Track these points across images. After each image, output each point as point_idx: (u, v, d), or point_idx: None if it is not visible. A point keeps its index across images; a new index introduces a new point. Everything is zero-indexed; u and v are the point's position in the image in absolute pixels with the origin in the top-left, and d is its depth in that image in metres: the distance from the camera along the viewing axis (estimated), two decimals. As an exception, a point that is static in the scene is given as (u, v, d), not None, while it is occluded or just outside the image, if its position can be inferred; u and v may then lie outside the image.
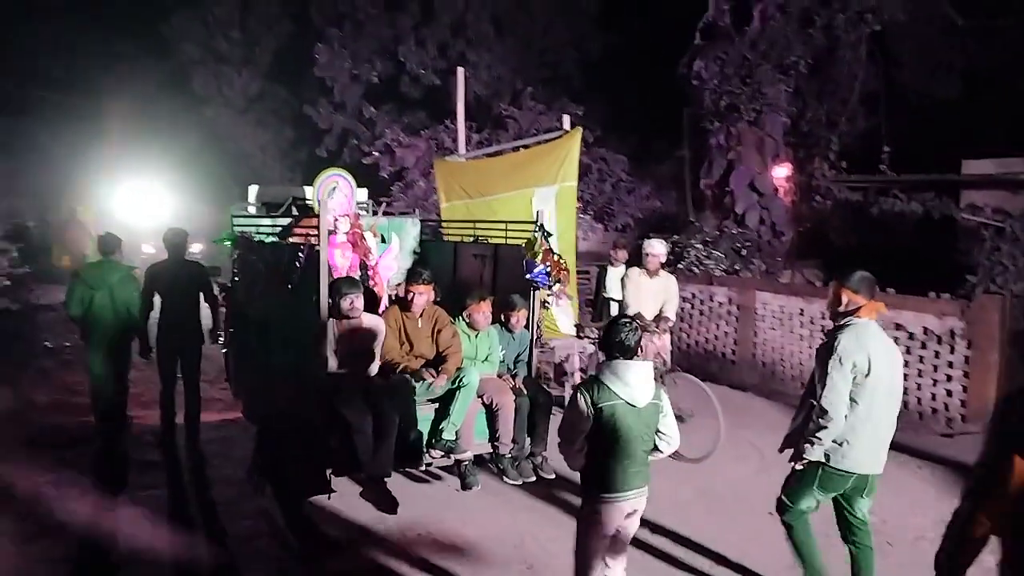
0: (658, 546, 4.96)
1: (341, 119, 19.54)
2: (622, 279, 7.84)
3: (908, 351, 8.16)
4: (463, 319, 5.49)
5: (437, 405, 5.14)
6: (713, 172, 13.76)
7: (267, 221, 6.49)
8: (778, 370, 9.72)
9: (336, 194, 6.49)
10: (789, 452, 4.12)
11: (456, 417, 5.01)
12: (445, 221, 8.04)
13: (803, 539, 4.08)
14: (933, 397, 7.98)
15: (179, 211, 19.62)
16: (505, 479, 5.26)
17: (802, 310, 9.40)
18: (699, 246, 12.27)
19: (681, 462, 6.52)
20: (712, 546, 4.91)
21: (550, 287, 5.80)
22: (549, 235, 5.83)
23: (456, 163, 8.52)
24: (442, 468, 5.78)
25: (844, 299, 3.95)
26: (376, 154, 15.86)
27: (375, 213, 7.40)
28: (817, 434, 3.82)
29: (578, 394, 3.45)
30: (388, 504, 4.78)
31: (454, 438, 5.05)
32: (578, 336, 7.71)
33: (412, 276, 5.36)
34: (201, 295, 6.90)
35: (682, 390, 6.84)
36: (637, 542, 4.88)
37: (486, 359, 5.52)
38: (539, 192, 7.38)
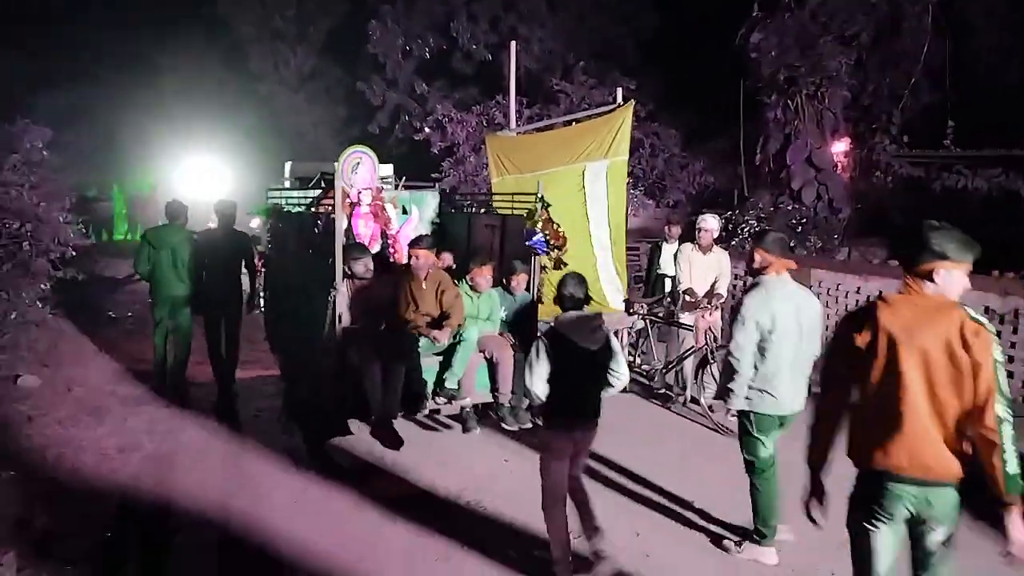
0: (695, 520, 5.02)
1: (393, 95, 19.68)
2: (675, 255, 7.79)
3: (969, 331, 7.95)
4: (467, 282, 6.07)
5: (441, 358, 5.78)
6: (769, 147, 13.50)
7: (297, 193, 7.24)
8: (832, 349, 9.54)
9: (360, 169, 6.99)
10: None
11: (457, 368, 5.67)
12: (496, 195, 8.09)
13: (766, 496, 4.41)
14: (995, 379, 7.76)
15: (237, 186, 20.07)
16: (503, 425, 5.89)
17: (859, 288, 9.20)
18: (753, 222, 12.08)
19: (726, 437, 6.50)
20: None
21: (548, 253, 6.42)
22: (548, 206, 6.32)
23: (507, 138, 8.52)
24: (448, 417, 6.43)
25: (757, 258, 4.38)
26: (427, 130, 15.93)
27: (397, 187, 7.83)
28: (728, 386, 4.32)
29: (540, 342, 4.01)
30: (393, 442, 5.37)
31: (456, 387, 5.71)
32: (627, 312, 7.70)
33: (414, 242, 5.97)
34: (243, 263, 7.39)
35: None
36: (673, 515, 5.01)
37: (488, 318, 6.12)
38: (590, 167, 7.35)
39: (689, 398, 7.31)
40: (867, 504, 2.84)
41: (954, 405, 2.68)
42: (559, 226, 6.42)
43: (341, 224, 5.34)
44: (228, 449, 6.19)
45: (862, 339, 2.81)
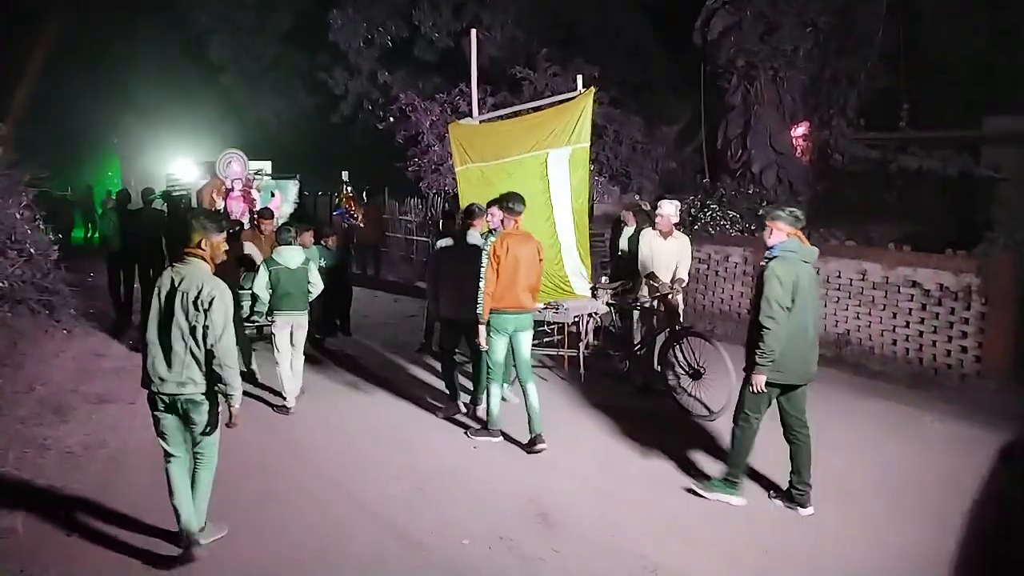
0: (671, 489, 5.20)
1: (356, 85, 19.48)
2: (630, 239, 7.95)
3: (924, 308, 8.18)
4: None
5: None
6: (730, 131, 13.65)
7: (187, 182, 11.70)
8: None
9: (232, 165, 10.65)
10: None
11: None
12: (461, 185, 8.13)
13: (744, 444, 4.99)
14: (948, 353, 8.00)
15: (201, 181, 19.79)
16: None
17: (818, 269, 9.36)
18: (715, 206, 12.22)
19: (695, 419, 6.65)
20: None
21: (353, 217, 12.73)
22: (349, 185, 11.68)
23: (470, 126, 8.54)
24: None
25: (776, 232, 4.91)
26: (391, 119, 15.82)
27: (263, 178, 11.35)
28: (763, 356, 4.70)
29: (263, 266, 6.92)
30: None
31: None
32: (593, 296, 7.79)
33: (261, 213, 9.03)
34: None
35: (695, 349, 6.93)
36: (656, 481, 5.12)
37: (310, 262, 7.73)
38: (553, 154, 7.40)
39: (655, 380, 7.44)
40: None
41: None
42: (353, 196, 11.64)
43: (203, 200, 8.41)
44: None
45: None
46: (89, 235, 22.80)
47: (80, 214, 23.43)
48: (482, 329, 6.02)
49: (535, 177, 7.43)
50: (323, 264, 8.15)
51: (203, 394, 4.16)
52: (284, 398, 6.96)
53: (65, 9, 20.69)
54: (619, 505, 5.04)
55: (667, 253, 7.45)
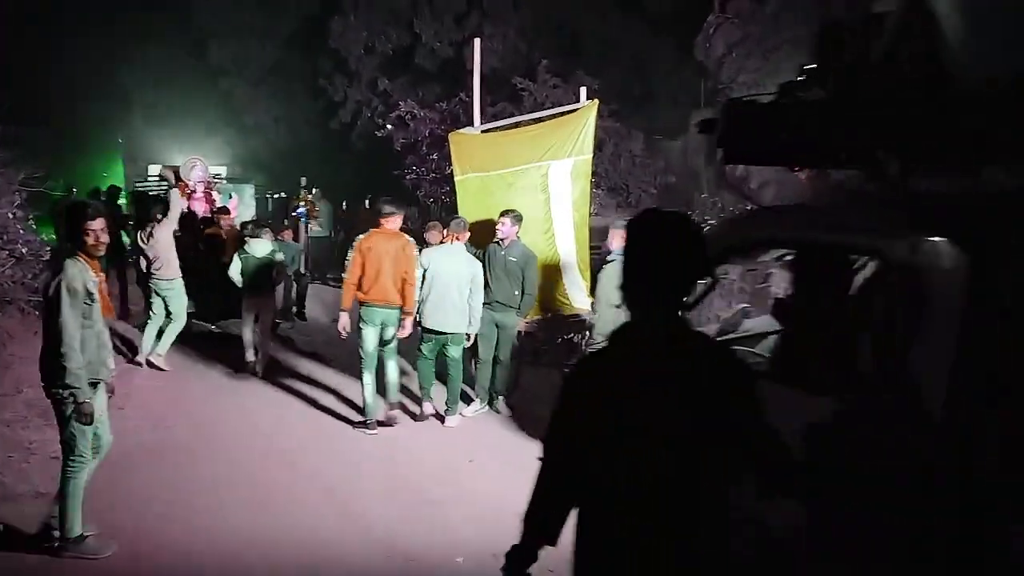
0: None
1: (355, 91, 19.45)
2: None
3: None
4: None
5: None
6: (729, 147, 13.62)
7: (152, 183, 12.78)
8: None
9: (195, 170, 11.78)
10: None
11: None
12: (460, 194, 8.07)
13: (426, 372, 7.06)
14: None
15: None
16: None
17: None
18: (713, 222, 12.17)
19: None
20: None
21: (312, 217, 14.13)
22: (309, 188, 14.02)
23: (471, 136, 8.48)
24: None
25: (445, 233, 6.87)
26: (390, 127, 15.77)
27: (222, 182, 12.71)
28: None
29: (237, 254, 8.46)
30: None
31: None
32: (593, 310, 7.71)
33: (220, 211, 10.72)
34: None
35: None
36: None
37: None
38: (554, 165, 7.35)
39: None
40: None
41: None
42: (312, 197, 14.08)
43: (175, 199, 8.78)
44: (185, 449, 6.07)
45: None
46: None
47: None
48: (343, 315, 6.77)
49: (535, 189, 7.38)
50: (280, 257, 9.05)
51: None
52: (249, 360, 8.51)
53: (70, 8, 20.62)
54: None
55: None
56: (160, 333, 8.49)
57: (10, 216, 7.05)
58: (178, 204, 8.80)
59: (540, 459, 2.30)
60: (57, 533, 4.30)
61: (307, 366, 9.04)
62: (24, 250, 7.11)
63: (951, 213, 2.50)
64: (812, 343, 2.99)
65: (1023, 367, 2.21)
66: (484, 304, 7.02)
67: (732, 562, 2.16)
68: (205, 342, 9.54)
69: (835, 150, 2.75)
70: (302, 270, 12.32)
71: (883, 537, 2.50)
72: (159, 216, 8.53)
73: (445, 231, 7.27)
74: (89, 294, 4.17)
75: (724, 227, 3.47)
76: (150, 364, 8.41)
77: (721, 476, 2.09)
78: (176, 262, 8.55)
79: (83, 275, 4.16)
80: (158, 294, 8.53)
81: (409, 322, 6.81)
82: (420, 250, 7.04)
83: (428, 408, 7.19)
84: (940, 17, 1.95)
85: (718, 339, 4.44)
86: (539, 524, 2.29)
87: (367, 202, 16.47)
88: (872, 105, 2.33)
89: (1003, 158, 2.52)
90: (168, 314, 8.56)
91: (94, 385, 4.26)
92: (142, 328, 8.76)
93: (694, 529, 2.05)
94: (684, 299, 2.10)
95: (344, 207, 17.94)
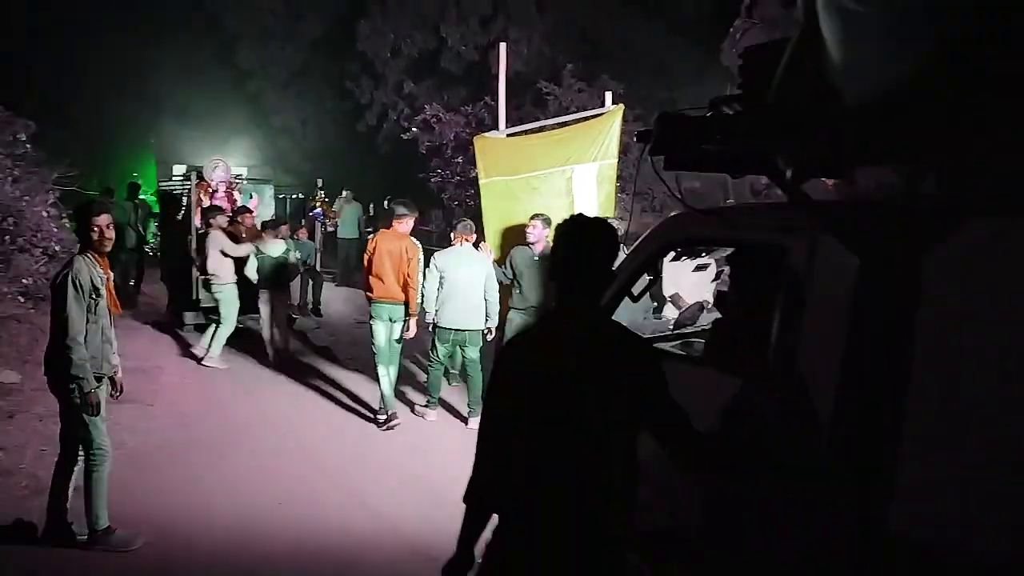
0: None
1: (381, 94, 19.58)
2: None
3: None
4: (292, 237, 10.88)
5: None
6: (754, 153, 13.55)
7: (176, 183, 13.33)
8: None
9: (217, 170, 11.90)
10: None
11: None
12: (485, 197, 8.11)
13: (436, 380, 7.26)
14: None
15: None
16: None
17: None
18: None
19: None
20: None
21: (328, 217, 15.72)
22: (322, 189, 16.57)
23: (496, 139, 8.51)
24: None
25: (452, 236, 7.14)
26: (415, 129, 15.84)
27: (243, 182, 13.13)
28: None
29: (252, 256, 8.92)
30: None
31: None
32: (614, 315, 7.71)
33: (241, 210, 10.71)
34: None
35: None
36: None
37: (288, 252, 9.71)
38: (579, 170, 7.35)
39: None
40: None
41: None
42: (326, 199, 15.15)
43: (195, 199, 10.50)
44: (212, 446, 6.15)
45: None
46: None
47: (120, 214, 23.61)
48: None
49: (560, 193, 7.40)
50: (297, 255, 9.74)
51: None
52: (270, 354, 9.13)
53: (94, 12, 20.89)
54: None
55: (692, 274, 7.34)
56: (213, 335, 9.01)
57: (44, 215, 7.20)
58: (238, 250, 9.24)
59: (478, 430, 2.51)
60: (82, 528, 4.39)
61: (330, 366, 9.13)
62: (57, 248, 7.26)
63: (841, 214, 2.77)
64: (737, 331, 3.32)
65: (903, 364, 2.38)
66: (519, 310, 7.11)
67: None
68: (229, 338, 9.66)
69: (745, 158, 3.03)
70: (317, 267, 13.04)
71: (763, 515, 2.74)
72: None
73: (452, 233, 7.41)
74: (95, 289, 4.27)
75: (664, 225, 3.81)
76: (203, 364, 8.89)
77: (631, 456, 2.31)
78: (228, 268, 9.05)
79: (91, 270, 4.27)
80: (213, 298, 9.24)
81: (412, 323, 7.03)
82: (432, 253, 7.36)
83: (431, 416, 7.27)
84: (827, 41, 2.18)
85: (674, 332, 4.72)
86: (479, 496, 2.55)
87: (385, 203, 16.63)
88: (771, 118, 2.56)
89: (872, 163, 2.92)
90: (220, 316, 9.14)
91: (98, 380, 4.35)
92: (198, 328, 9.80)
93: (603, 507, 2.26)
94: (598, 291, 2.42)
95: (371, 210, 18.05)
